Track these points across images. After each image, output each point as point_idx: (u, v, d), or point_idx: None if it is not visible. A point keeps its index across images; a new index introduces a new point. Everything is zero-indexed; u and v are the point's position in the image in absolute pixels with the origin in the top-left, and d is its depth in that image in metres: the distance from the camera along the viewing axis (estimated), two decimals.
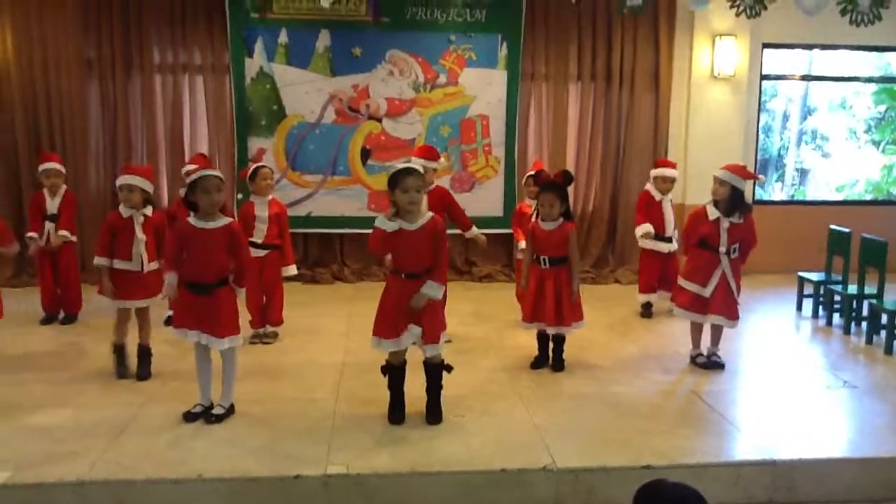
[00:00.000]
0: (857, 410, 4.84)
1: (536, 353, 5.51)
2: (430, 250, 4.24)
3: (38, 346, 5.92)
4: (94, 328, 6.34)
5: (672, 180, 7.02)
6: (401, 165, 4.30)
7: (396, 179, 4.17)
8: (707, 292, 5.32)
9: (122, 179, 5.13)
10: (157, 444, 4.07)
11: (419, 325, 4.25)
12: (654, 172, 7.11)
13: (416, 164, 5.28)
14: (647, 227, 6.87)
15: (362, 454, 3.96)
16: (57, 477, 3.67)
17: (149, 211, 5.16)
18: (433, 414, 4.40)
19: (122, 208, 5.11)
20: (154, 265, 5.17)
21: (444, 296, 4.55)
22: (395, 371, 4.41)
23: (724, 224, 5.29)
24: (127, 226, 5.09)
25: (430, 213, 4.31)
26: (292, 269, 6.22)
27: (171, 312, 6.22)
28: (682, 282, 5.48)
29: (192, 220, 4.31)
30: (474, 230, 6.08)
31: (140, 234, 5.09)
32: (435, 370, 4.40)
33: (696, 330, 5.59)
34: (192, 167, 4.92)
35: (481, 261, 8.93)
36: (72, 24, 8.14)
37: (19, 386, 4.97)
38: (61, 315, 6.67)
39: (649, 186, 7.06)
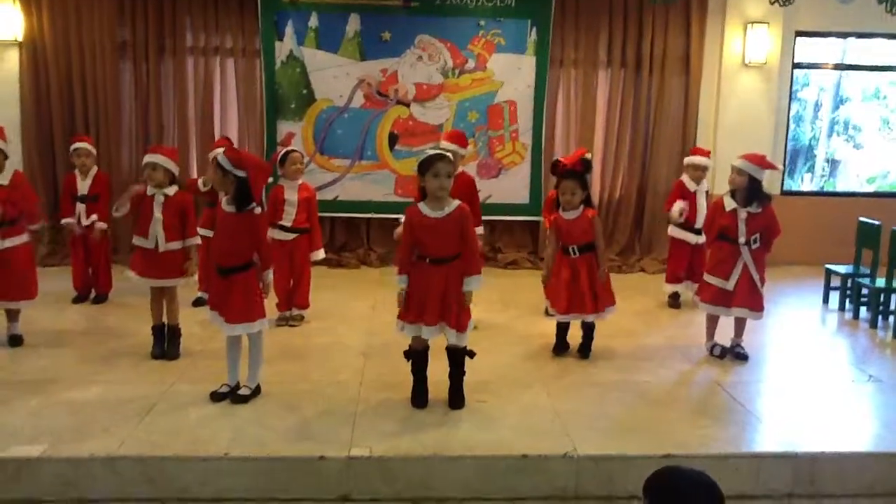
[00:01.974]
0: (882, 405, 4.81)
1: (556, 339, 5.53)
2: (456, 238, 4.26)
3: (70, 325, 6.05)
4: (125, 308, 6.47)
5: (704, 168, 6.94)
6: (432, 151, 4.33)
7: (428, 164, 4.20)
8: (730, 285, 5.30)
9: (147, 157, 5.20)
10: (185, 422, 4.16)
11: (447, 317, 4.28)
12: (687, 160, 7.06)
13: (448, 148, 5.33)
14: (681, 204, 6.73)
15: (385, 437, 4.02)
16: (89, 452, 3.77)
17: (171, 191, 5.18)
18: (456, 399, 4.45)
19: (147, 187, 5.19)
20: (172, 245, 5.18)
21: None
22: (417, 356, 4.46)
23: (742, 215, 5.25)
24: (148, 204, 5.14)
25: (457, 201, 4.32)
26: (320, 254, 6.28)
27: (199, 294, 6.38)
28: (706, 276, 5.46)
29: (223, 202, 4.39)
30: (479, 230, 5.98)
31: (157, 214, 5.12)
32: (458, 355, 4.44)
33: (712, 322, 5.58)
34: (218, 151, 4.96)
35: (507, 247, 8.95)
36: (107, 7, 8.24)
37: (52, 363, 5.10)
38: (92, 294, 6.80)
39: (684, 177, 6.99)
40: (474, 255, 4.34)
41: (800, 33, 9.00)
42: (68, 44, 8.28)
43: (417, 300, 4.31)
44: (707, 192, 6.88)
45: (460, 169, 5.97)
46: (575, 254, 5.28)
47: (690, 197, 6.85)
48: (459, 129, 7.56)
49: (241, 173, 4.26)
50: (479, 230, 5.93)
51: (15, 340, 5.45)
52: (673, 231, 6.97)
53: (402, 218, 4.58)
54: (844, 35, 9.28)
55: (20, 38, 8.23)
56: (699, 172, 6.90)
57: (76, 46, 8.28)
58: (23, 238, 5.41)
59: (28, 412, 4.25)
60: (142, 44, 8.39)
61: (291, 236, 6.00)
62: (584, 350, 5.45)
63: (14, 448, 3.79)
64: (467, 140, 6.24)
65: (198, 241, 5.36)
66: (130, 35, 8.40)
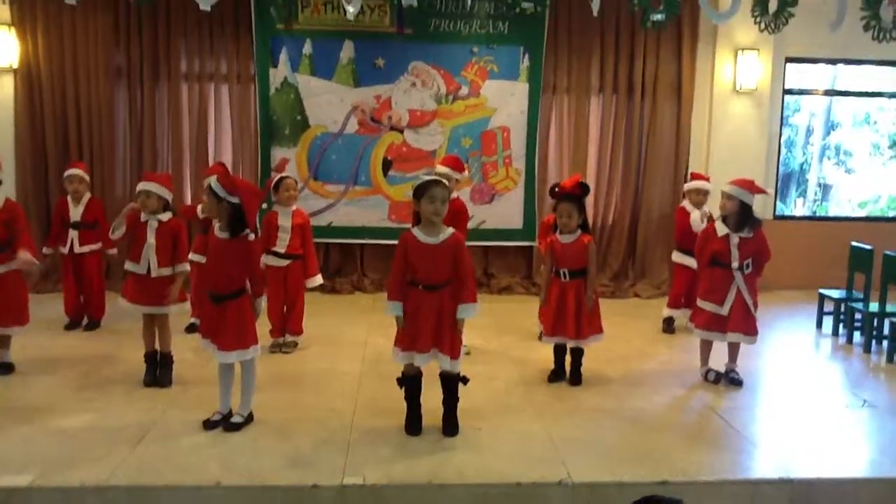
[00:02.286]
0: (877, 430, 4.81)
1: (553, 366, 5.52)
2: (448, 265, 4.26)
3: (62, 352, 6.00)
4: (117, 334, 6.44)
5: (706, 193, 6.95)
6: (426, 176, 4.35)
7: (423, 189, 4.22)
8: (724, 310, 5.32)
9: (140, 185, 5.21)
10: (177, 450, 4.12)
11: (440, 343, 4.28)
12: (688, 186, 7.08)
13: (443, 172, 5.39)
14: (700, 211, 6.76)
15: (379, 465, 3.99)
16: (80, 481, 3.74)
17: (165, 217, 5.19)
18: (450, 426, 4.42)
19: (141, 213, 5.19)
20: (165, 271, 5.18)
21: None
22: (410, 382, 4.44)
23: (734, 240, 5.28)
24: (142, 229, 5.15)
25: (451, 229, 4.33)
26: (318, 280, 6.25)
27: (192, 320, 6.36)
28: (699, 302, 5.47)
29: (216, 229, 4.39)
30: None
31: (151, 240, 5.12)
32: (451, 382, 4.42)
33: (706, 347, 5.59)
34: (213, 177, 4.95)
35: (500, 273, 8.95)
36: (101, 32, 8.28)
37: (43, 390, 5.06)
38: (85, 321, 6.77)
39: (684, 203, 7.01)
40: (469, 284, 4.32)
41: (790, 59, 9.09)
42: (63, 70, 8.31)
43: (410, 327, 4.30)
44: (709, 216, 6.84)
45: (455, 194, 5.99)
46: (566, 278, 5.29)
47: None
48: (457, 154, 7.60)
49: (234, 199, 4.26)
50: None
51: (5, 368, 5.40)
52: (676, 256, 6.98)
53: None
54: (834, 61, 9.40)
55: (15, 65, 8.25)
56: (701, 197, 6.92)
57: (71, 72, 8.31)
58: (14, 264, 5.39)
59: (18, 440, 4.21)
60: (136, 69, 8.43)
61: (285, 262, 6.00)
62: (574, 377, 5.43)
63: (4, 477, 3.75)
64: (464, 165, 6.26)
65: (187, 267, 5.35)
66: (125, 60, 8.44)
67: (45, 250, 6.70)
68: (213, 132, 8.66)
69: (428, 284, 4.27)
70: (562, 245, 5.31)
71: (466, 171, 7.44)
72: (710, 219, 6.51)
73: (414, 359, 4.31)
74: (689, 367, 5.83)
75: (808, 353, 6.72)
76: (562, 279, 5.31)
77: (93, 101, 8.35)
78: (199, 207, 6.27)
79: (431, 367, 4.42)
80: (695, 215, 6.78)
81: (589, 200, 8.63)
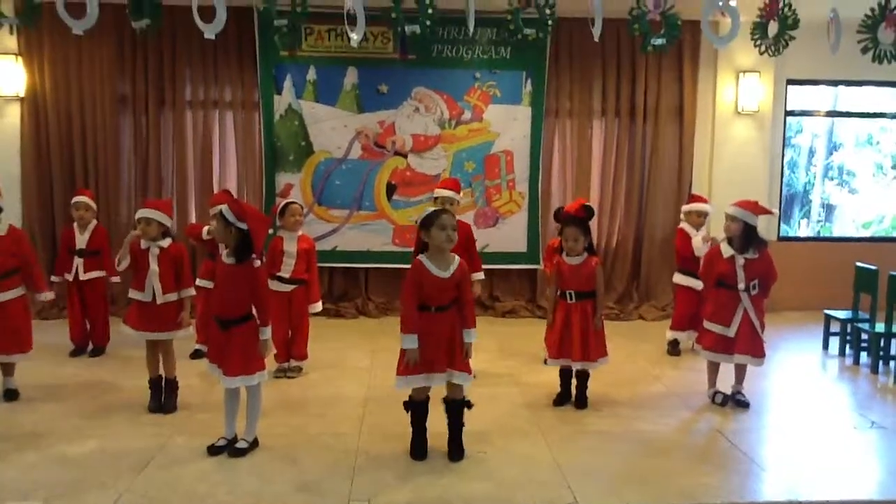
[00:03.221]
0: (885, 451, 4.77)
1: (559, 389, 5.50)
2: (455, 290, 4.35)
3: (66, 379, 6.00)
4: (122, 361, 6.44)
5: (705, 214, 6.97)
6: (431, 207, 4.43)
7: (433, 217, 4.29)
8: (731, 332, 5.31)
9: (140, 213, 5.23)
10: (182, 476, 4.11)
11: (454, 361, 4.33)
12: (687, 208, 7.08)
13: (444, 195, 5.51)
14: (701, 234, 6.77)
15: (384, 489, 3.97)
16: None
17: (165, 243, 5.22)
18: (455, 450, 4.42)
19: (141, 241, 5.21)
20: (170, 297, 5.21)
21: None
22: (417, 407, 4.43)
23: (740, 261, 5.28)
24: (143, 257, 5.17)
25: (457, 258, 4.39)
26: (318, 307, 6.27)
27: (197, 346, 6.36)
28: (706, 324, 5.46)
29: (223, 255, 4.42)
30: (479, 276, 6.02)
31: (154, 266, 5.15)
32: (456, 407, 4.42)
33: (713, 369, 5.57)
34: (220, 207, 4.98)
35: (505, 296, 8.95)
36: (107, 61, 8.36)
37: (49, 416, 5.06)
38: (90, 347, 6.77)
39: (683, 225, 7.00)
40: (471, 310, 4.44)
41: (791, 81, 9.14)
42: (69, 98, 8.38)
43: (426, 351, 4.30)
44: (711, 239, 6.79)
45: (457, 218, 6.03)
46: (572, 299, 5.29)
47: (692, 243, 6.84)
48: (456, 178, 7.64)
49: (242, 225, 4.30)
50: (480, 276, 5.99)
51: (10, 395, 5.41)
52: (678, 278, 6.97)
53: None
54: (835, 83, 9.44)
55: (22, 94, 8.33)
56: (700, 219, 6.93)
57: (76, 100, 8.39)
58: (18, 291, 5.41)
59: (23, 467, 4.21)
60: (141, 97, 8.50)
61: (290, 287, 6.00)
62: (579, 400, 5.42)
63: None
64: (460, 187, 6.34)
65: (192, 291, 5.37)
66: (130, 89, 8.51)
67: (53, 278, 6.73)
68: (217, 159, 8.71)
69: (438, 306, 4.32)
70: (569, 267, 5.31)
71: (466, 196, 7.52)
72: (713, 241, 6.50)
73: (433, 380, 4.32)
74: (695, 389, 5.81)
75: (815, 374, 6.69)
76: (567, 301, 5.31)
77: (98, 129, 8.41)
78: (205, 229, 6.30)
79: (435, 390, 4.42)
80: (696, 240, 6.77)
81: (592, 223, 8.67)
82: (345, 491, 3.94)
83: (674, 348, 7.05)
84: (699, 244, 6.70)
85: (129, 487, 3.95)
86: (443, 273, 4.29)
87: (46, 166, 8.45)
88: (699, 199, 7.27)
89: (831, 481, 4.21)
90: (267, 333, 4.46)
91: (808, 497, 3.98)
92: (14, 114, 8.40)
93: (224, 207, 4.41)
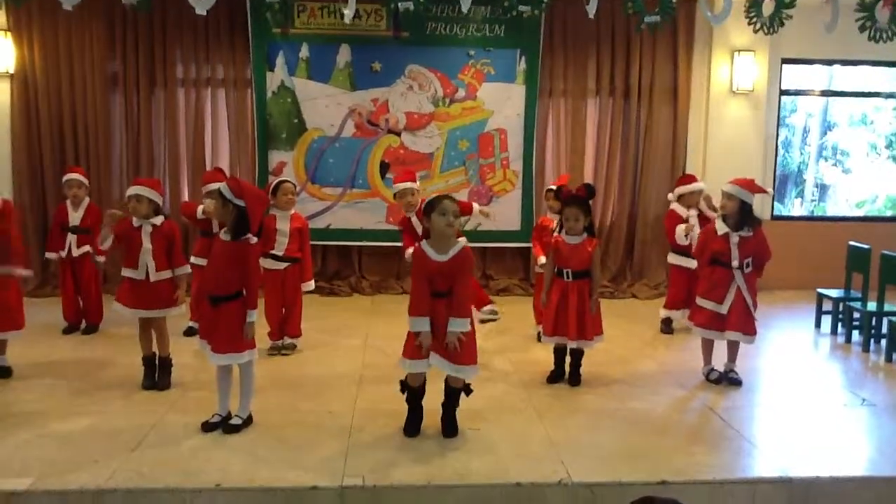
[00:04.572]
0: (876, 429, 4.80)
1: (553, 367, 5.52)
2: (454, 277, 4.27)
3: (59, 356, 6.00)
4: (115, 338, 6.44)
5: (699, 192, 6.86)
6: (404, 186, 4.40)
7: (435, 203, 4.27)
8: (724, 309, 5.32)
9: (131, 190, 5.19)
10: (176, 453, 4.11)
11: (445, 353, 4.25)
12: (681, 190, 7.00)
13: (403, 187, 6.04)
14: (684, 226, 6.71)
15: (378, 466, 3.98)
16: (78, 485, 3.73)
17: (158, 220, 5.17)
18: (449, 427, 4.42)
19: (133, 219, 5.17)
20: (163, 274, 5.18)
21: (473, 324, 4.44)
22: (414, 388, 4.44)
23: (734, 239, 5.29)
24: (136, 235, 5.13)
25: (462, 242, 4.36)
26: (310, 285, 6.27)
27: (190, 324, 6.36)
28: (699, 300, 5.47)
29: (221, 233, 4.41)
30: (477, 208, 6.30)
31: (147, 244, 5.11)
32: (455, 392, 4.43)
33: (708, 346, 5.59)
34: (214, 185, 4.97)
35: (499, 274, 8.96)
36: (97, 38, 8.29)
37: (42, 394, 5.05)
38: (83, 325, 6.76)
39: (674, 206, 6.94)
40: (464, 299, 4.30)
41: (786, 60, 9.12)
42: (59, 76, 8.31)
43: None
44: (699, 213, 6.80)
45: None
46: (568, 278, 5.29)
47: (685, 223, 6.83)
48: (450, 157, 7.62)
49: (240, 203, 4.28)
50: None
51: (3, 372, 5.39)
52: (672, 258, 6.97)
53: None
54: (830, 62, 9.42)
55: (11, 71, 8.25)
56: (695, 197, 6.89)
57: (67, 78, 8.31)
58: (8, 268, 5.38)
59: (16, 445, 4.20)
60: (133, 76, 8.43)
61: (283, 265, 6.00)
62: (573, 377, 5.44)
63: (3, 481, 3.74)
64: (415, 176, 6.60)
65: (187, 269, 5.35)
66: (121, 67, 8.44)
67: (47, 255, 6.70)
68: (209, 137, 8.67)
69: (436, 292, 4.29)
70: (568, 246, 5.31)
71: (462, 174, 7.52)
72: (693, 237, 6.50)
73: (422, 366, 4.29)
74: (688, 367, 5.84)
75: (807, 353, 6.73)
76: (564, 279, 5.31)
77: (89, 107, 8.36)
78: (200, 208, 6.28)
79: (435, 371, 4.43)
80: (679, 230, 6.75)
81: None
82: (339, 467, 3.95)
83: (667, 327, 7.07)
84: (681, 235, 6.68)
85: (123, 465, 3.94)
86: (440, 257, 4.26)
87: (37, 144, 8.39)
88: (689, 179, 7.18)
89: (822, 458, 4.23)
90: (253, 316, 4.40)
91: (799, 474, 4.00)
92: (4, 90, 8.33)
93: (223, 185, 4.40)
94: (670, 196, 7.08)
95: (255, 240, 4.40)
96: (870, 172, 11.60)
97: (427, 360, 4.28)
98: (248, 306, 4.39)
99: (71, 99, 8.35)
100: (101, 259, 6.71)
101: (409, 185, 6.14)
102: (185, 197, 8.54)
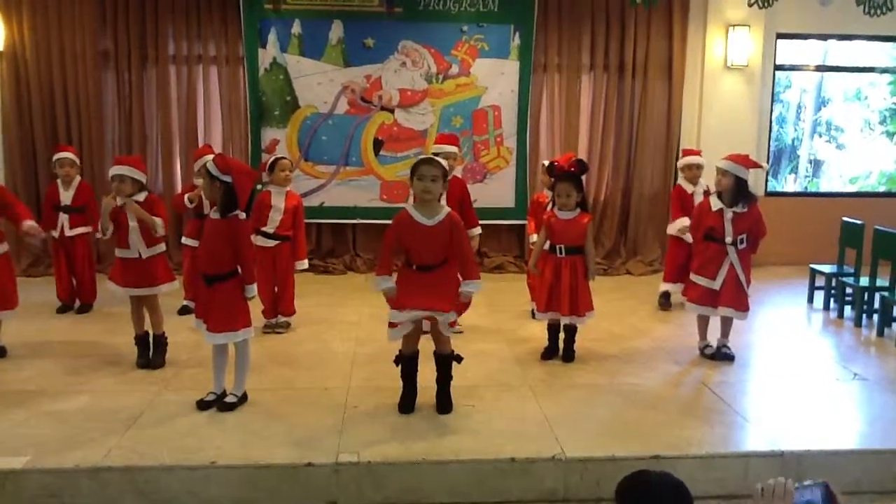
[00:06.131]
0: (867, 403, 4.84)
1: (547, 343, 5.54)
2: (444, 246, 4.25)
3: (54, 335, 6.00)
4: (110, 317, 6.44)
5: (700, 167, 6.91)
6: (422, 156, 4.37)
7: (414, 168, 4.24)
8: (716, 285, 5.33)
9: (113, 170, 5.12)
10: (171, 431, 4.13)
11: (435, 304, 4.22)
12: (682, 162, 7.07)
13: (440, 151, 5.55)
14: (684, 221, 6.66)
15: (373, 443, 4.00)
16: (74, 463, 3.74)
17: (141, 197, 5.10)
18: (443, 403, 4.44)
19: (117, 198, 5.10)
20: (155, 249, 5.17)
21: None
22: (407, 361, 4.45)
23: (728, 215, 5.28)
24: (122, 214, 5.08)
25: (447, 209, 4.33)
26: (304, 264, 6.26)
27: (185, 303, 6.36)
28: (692, 276, 5.48)
29: (211, 212, 4.39)
30: (477, 231, 6.00)
31: (133, 223, 5.07)
32: (445, 360, 4.44)
33: (703, 321, 5.61)
34: (207, 158, 4.93)
35: (493, 252, 8.96)
36: (88, 16, 8.22)
37: (37, 373, 5.06)
38: (77, 304, 6.76)
39: (681, 181, 6.99)
40: (470, 262, 4.35)
41: (781, 35, 9.08)
42: (49, 53, 8.24)
43: (412, 297, 4.23)
44: (706, 191, 6.68)
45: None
46: (561, 254, 5.30)
47: (689, 199, 6.81)
48: (445, 133, 7.57)
49: (227, 178, 4.25)
50: (477, 230, 5.99)
51: None
52: (672, 229, 6.96)
53: None
54: (825, 37, 9.38)
55: (1, 48, 8.17)
56: (696, 171, 6.89)
57: (57, 56, 8.24)
58: (1, 248, 5.36)
59: (12, 423, 4.21)
60: (124, 53, 8.37)
61: (273, 243, 5.97)
62: (567, 354, 5.45)
63: None
64: (458, 140, 6.30)
65: (160, 222, 5.15)
66: (112, 44, 8.37)
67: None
68: (202, 114, 8.63)
69: (421, 265, 4.27)
70: (561, 221, 5.31)
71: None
72: (685, 234, 6.49)
73: (418, 315, 4.24)
74: (681, 343, 5.86)
75: (800, 328, 6.76)
76: (557, 255, 5.32)
77: (80, 85, 8.30)
78: (186, 197, 6.26)
79: (426, 347, 4.43)
80: (674, 225, 6.80)
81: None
82: (333, 445, 3.96)
83: (665, 301, 7.07)
84: (682, 229, 6.66)
85: (119, 443, 3.96)
86: (427, 221, 4.22)
87: (28, 122, 8.34)
88: (692, 152, 7.21)
89: (814, 432, 4.27)
90: (252, 291, 4.42)
91: (791, 448, 4.03)
92: None
93: (209, 162, 4.37)
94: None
95: (244, 216, 4.38)
96: (864, 148, 11.61)
97: (410, 309, 4.21)
98: (246, 281, 4.38)
99: (62, 76, 8.28)
100: (98, 236, 6.67)
101: (449, 149, 5.89)
102: (178, 174, 8.50)
